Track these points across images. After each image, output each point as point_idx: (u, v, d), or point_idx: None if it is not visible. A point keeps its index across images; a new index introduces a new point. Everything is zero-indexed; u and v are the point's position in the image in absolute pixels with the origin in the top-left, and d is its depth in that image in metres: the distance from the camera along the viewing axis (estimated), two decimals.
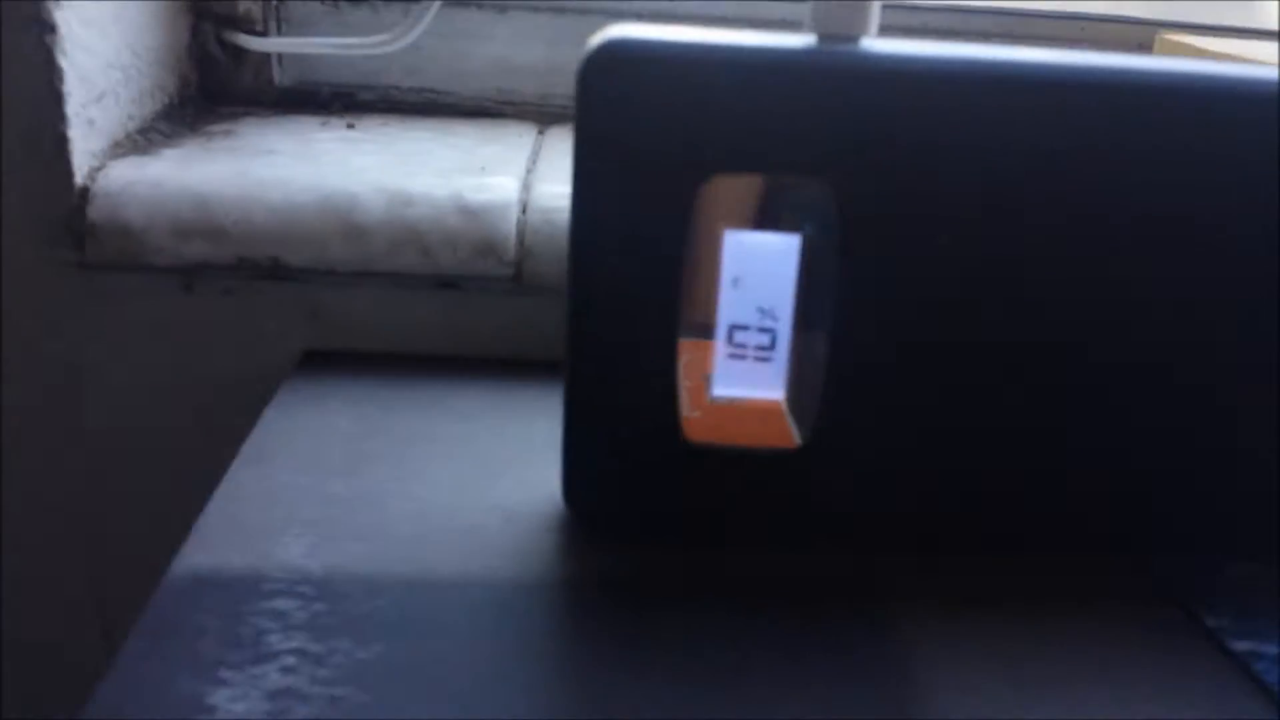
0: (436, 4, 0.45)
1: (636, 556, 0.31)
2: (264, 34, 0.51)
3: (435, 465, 0.35)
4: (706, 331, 0.30)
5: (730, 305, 0.30)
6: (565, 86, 0.52)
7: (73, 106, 0.41)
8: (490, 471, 0.35)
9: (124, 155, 0.44)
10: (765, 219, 0.29)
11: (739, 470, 0.31)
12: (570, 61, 0.29)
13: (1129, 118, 0.29)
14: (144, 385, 0.44)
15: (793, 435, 0.31)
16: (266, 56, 0.52)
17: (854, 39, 0.29)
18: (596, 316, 0.30)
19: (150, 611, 0.29)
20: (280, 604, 0.29)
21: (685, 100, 0.28)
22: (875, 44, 0.29)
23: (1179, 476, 0.32)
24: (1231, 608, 0.30)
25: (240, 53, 0.52)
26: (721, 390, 0.31)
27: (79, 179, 0.42)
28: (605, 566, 0.31)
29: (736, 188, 0.29)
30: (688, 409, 0.32)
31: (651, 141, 0.28)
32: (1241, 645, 0.29)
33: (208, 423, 0.44)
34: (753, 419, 0.31)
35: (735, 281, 0.29)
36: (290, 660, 0.27)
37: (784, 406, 0.31)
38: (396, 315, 0.43)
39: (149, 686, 0.26)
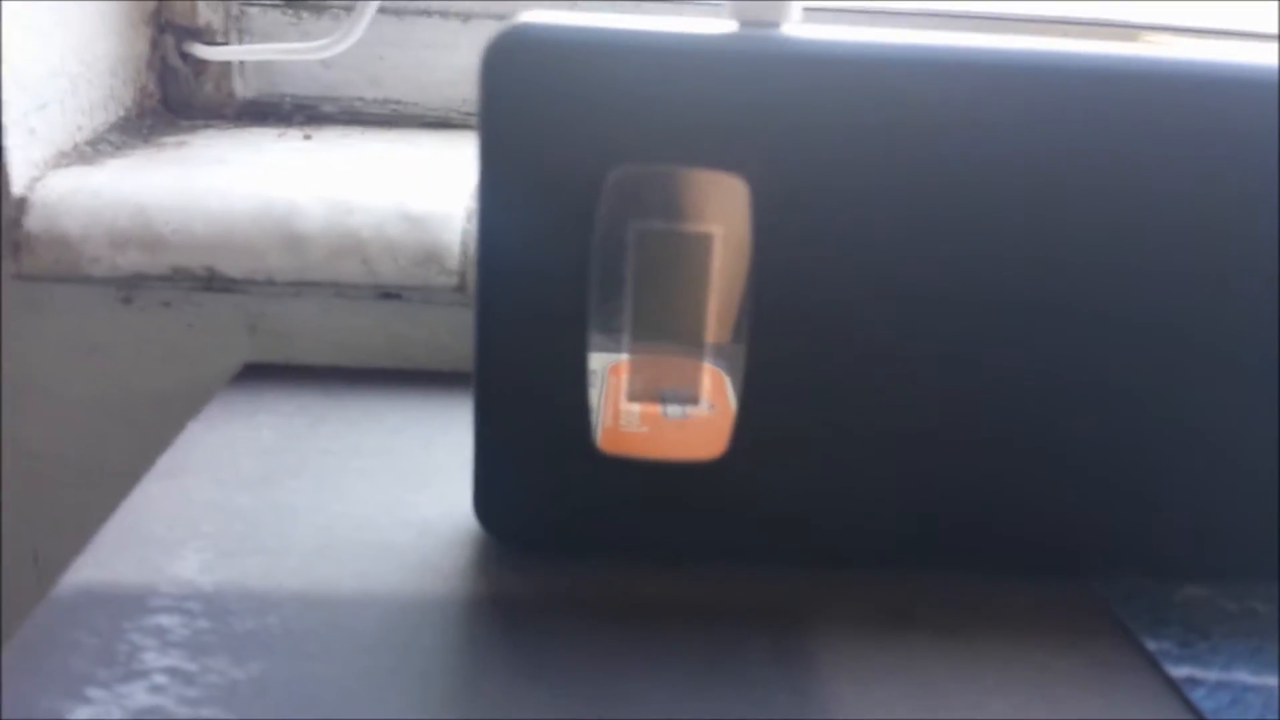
0: (373, 6, 0.44)
1: (547, 574, 0.30)
2: (224, 45, 0.50)
3: (353, 479, 0.34)
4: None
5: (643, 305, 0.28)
6: None
7: (11, 115, 0.40)
8: (410, 485, 0.34)
9: (68, 165, 0.43)
10: (678, 215, 0.28)
11: (653, 483, 0.29)
12: None
13: (1074, 106, 0.27)
14: (82, 400, 0.43)
15: (713, 446, 0.29)
16: (228, 68, 0.51)
17: (775, 25, 0.28)
18: (503, 319, 0.28)
19: (28, 626, 0.27)
20: (163, 620, 0.27)
21: (592, 90, 0.27)
22: (798, 31, 0.28)
23: (1122, 494, 0.30)
24: (1176, 630, 0.28)
25: (201, 65, 0.51)
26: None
27: (17, 189, 0.41)
28: (511, 584, 0.29)
29: (647, 181, 0.27)
30: (609, 421, 0.30)
31: (557, 133, 0.27)
32: (1180, 671, 0.26)
33: (147, 439, 0.43)
34: (672, 429, 0.29)
35: (647, 281, 0.28)
36: (161, 679, 0.25)
37: (702, 415, 0.29)
38: (338, 327, 0.42)
39: (9, 704, 0.25)
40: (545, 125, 0.27)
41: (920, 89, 0.27)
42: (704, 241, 0.28)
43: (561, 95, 0.27)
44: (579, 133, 0.27)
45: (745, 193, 0.27)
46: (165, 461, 0.35)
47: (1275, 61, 0.27)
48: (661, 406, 0.33)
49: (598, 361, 0.33)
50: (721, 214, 0.27)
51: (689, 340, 0.28)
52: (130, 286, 0.42)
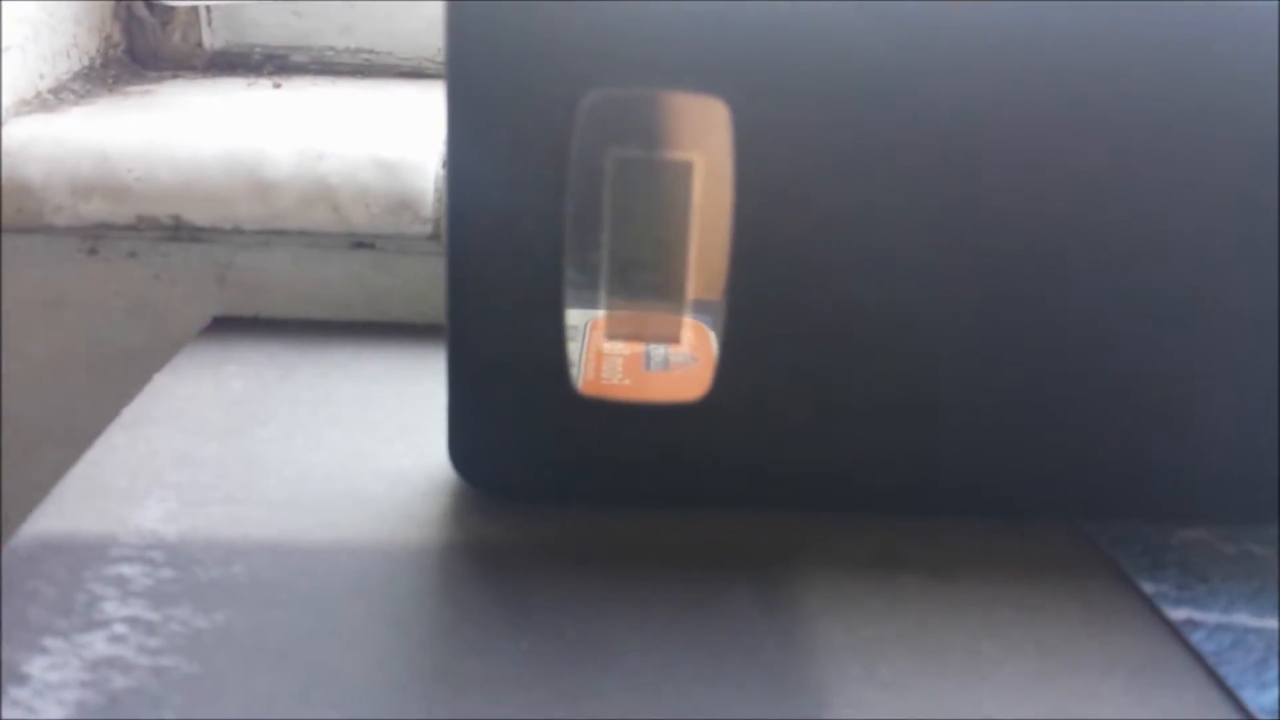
0: None
1: (525, 521, 0.29)
2: None
3: (326, 429, 0.33)
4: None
5: (622, 239, 0.27)
6: None
7: None
8: (385, 435, 0.33)
9: (29, 113, 0.42)
10: (657, 140, 0.26)
11: (633, 427, 0.28)
12: None
13: (1066, 36, 0.26)
14: (49, 354, 0.42)
15: (695, 393, 0.28)
16: (195, 19, 0.50)
17: None
18: (476, 256, 0.27)
19: None
20: (124, 570, 0.26)
21: (563, 11, 0.25)
22: None
23: (1116, 437, 0.29)
24: (1173, 573, 0.27)
25: (168, 14, 0.50)
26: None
27: None
28: (488, 532, 0.28)
29: (624, 108, 0.26)
30: (590, 374, 0.29)
31: (527, 57, 0.26)
32: (1179, 613, 0.26)
33: (114, 394, 0.41)
34: (654, 379, 0.28)
35: (626, 212, 0.27)
36: (121, 629, 0.24)
37: (684, 366, 0.28)
38: (309, 277, 0.41)
39: None
40: (515, 49, 0.26)
41: (905, 11, 0.26)
42: (685, 169, 0.26)
43: (531, 17, 0.26)
44: (550, 56, 0.26)
45: (726, 117, 0.25)
46: (129, 412, 0.34)
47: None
48: (644, 355, 0.32)
49: (578, 317, 0.32)
50: (703, 141, 0.26)
51: (670, 284, 0.27)
52: (95, 237, 0.40)
